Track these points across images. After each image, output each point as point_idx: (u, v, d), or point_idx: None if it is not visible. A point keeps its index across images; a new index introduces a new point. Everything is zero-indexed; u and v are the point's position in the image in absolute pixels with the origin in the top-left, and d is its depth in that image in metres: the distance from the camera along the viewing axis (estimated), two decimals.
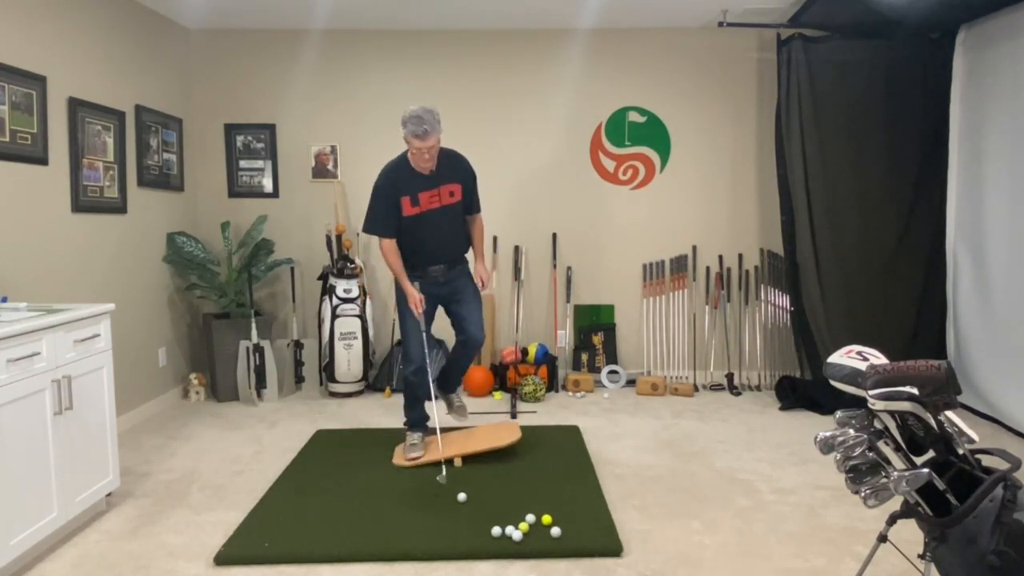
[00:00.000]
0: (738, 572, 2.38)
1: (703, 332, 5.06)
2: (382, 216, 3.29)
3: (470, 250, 3.54)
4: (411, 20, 4.71)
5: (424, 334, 3.39)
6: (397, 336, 5.04)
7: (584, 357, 5.00)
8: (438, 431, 3.46)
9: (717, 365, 5.05)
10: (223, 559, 2.46)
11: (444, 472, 3.12)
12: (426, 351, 3.39)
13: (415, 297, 3.31)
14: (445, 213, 3.34)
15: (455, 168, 3.34)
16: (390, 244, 3.33)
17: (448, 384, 3.66)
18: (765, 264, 4.99)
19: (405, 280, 3.35)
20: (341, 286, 4.65)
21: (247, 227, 4.91)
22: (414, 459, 3.34)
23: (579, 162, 5.02)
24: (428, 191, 3.27)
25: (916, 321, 4.60)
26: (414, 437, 3.46)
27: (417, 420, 3.51)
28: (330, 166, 5.00)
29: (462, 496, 2.89)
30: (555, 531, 2.60)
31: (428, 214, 3.30)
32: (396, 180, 3.27)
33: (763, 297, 4.99)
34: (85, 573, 2.40)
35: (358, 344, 4.65)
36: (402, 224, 3.31)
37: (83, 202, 3.66)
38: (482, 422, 3.84)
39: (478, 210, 3.50)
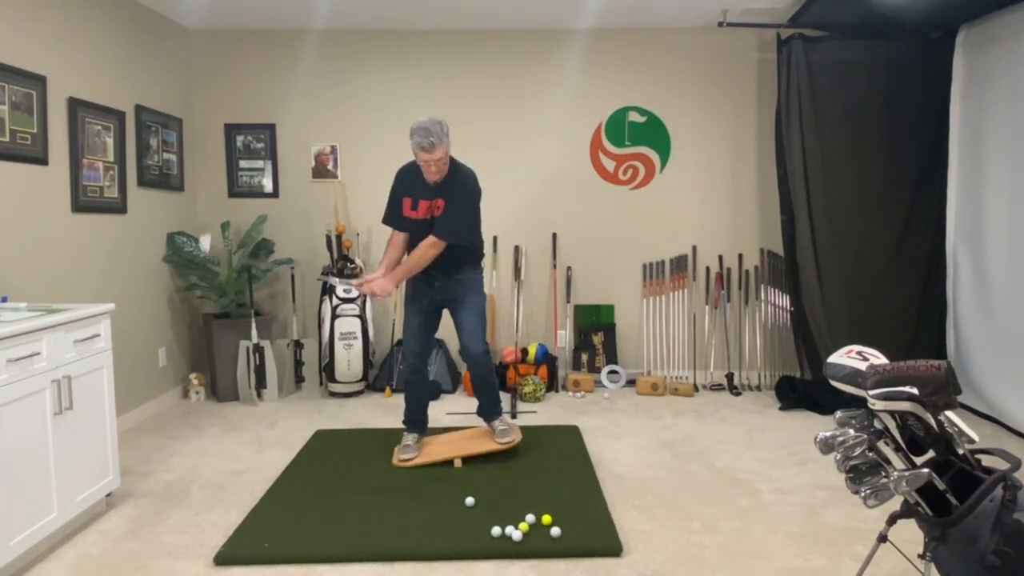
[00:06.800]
0: (738, 572, 2.38)
1: (703, 332, 5.06)
2: (389, 210, 3.42)
3: (476, 259, 3.44)
4: (411, 20, 4.71)
5: (421, 334, 3.41)
6: (397, 336, 5.05)
7: (584, 357, 5.00)
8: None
9: (717, 365, 5.05)
10: (223, 559, 2.46)
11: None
12: (421, 350, 3.42)
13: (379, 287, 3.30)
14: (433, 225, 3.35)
15: (452, 185, 3.26)
16: (393, 236, 3.42)
17: (481, 409, 3.56)
18: (765, 264, 4.99)
19: (396, 274, 3.32)
20: (341, 286, 4.65)
21: (247, 227, 4.91)
22: (405, 460, 3.34)
23: (579, 162, 5.02)
24: (429, 201, 3.28)
25: (916, 321, 4.59)
26: (408, 438, 3.46)
27: (412, 421, 3.49)
28: (330, 166, 5.00)
29: (470, 500, 2.88)
30: (555, 531, 2.60)
31: (423, 223, 3.31)
32: (406, 179, 3.35)
33: (763, 297, 4.99)
34: (85, 573, 2.40)
35: (358, 344, 4.65)
36: (406, 224, 3.37)
37: (83, 202, 3.66)
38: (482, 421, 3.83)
39: (442, 235, 3.21)
